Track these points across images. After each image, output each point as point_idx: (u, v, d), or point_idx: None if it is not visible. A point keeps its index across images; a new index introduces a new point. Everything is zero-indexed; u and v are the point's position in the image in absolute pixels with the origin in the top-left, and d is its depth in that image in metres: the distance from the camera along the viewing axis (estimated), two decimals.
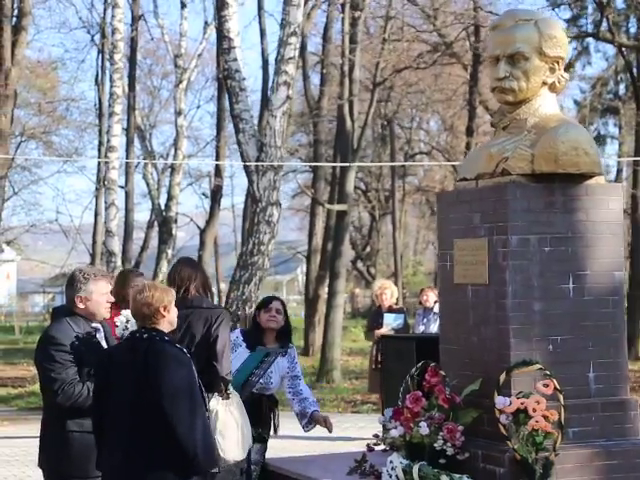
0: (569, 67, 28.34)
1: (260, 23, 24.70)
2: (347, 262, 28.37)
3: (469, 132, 26.88)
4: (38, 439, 5.83)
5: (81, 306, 5.75)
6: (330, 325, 21.48)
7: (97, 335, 5.80)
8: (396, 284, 33.46)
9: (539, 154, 6.14)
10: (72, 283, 5.84)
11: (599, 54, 29.17)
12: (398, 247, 32.90)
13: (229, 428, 5.96)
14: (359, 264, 41.67)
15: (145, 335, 5.05)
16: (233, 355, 6.58)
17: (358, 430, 12.92)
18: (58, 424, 5.67)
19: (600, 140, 29.97)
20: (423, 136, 41.23)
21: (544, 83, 6.36)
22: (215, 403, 5.97)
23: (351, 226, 38.51)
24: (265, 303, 7.06)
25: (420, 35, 26.86)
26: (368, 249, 41.50)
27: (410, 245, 47.28)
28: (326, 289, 23.50)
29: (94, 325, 5.81)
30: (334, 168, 24.77)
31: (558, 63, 6.36)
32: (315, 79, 30.44)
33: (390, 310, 12.30)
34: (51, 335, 5.73)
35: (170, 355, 5.02)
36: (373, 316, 12.92)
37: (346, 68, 24.38)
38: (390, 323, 12.03)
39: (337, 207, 22.76)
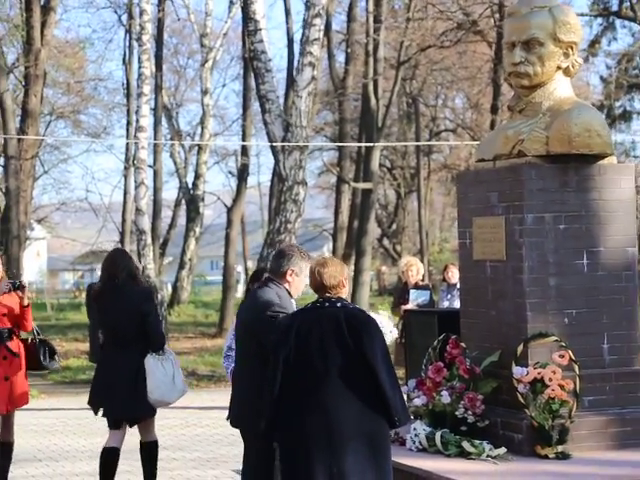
0: (595, 43, 28.41)
1: (285, 3, 24.90)
2: (372, 240, 28.62)
3: (494, 110, 26.99)
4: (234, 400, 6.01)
5: (289, 279, 6.04)
6: (356, 302, 21.80)
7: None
8: (422, 261, 33.67)
9: (553, 136, 6.44)
10: (287, 255, 6.10)
11: (625, 30, 29.08)
12: (424, 224, 33.12)
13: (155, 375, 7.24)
14: (385, 242, 41.90)
15: (338, 304, 5.33)
16: None
17: None
18: None
19: (626, 116, 30.00)
20: (448, 114, 41.30)
21: (558, 67, 6.64)
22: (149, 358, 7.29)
23: (377, 204, 38.77)
24: (255, 276, 7.22)
25: (445, 13, 26.96)
26: (394, 227, 41.70)
27: (436, 222, 47.41)
28: (352, 267, 23.80)
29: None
30: (359, 146, 25.02)
31: (572, 48, 6.64)
32: (340, 57, 30.64)
33: (416, 286, 12.55)
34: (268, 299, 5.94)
35: (373, 322, 5.37)
36: (399, 292, 13.17)
37: (370, 47, 24.61)
38: (415, 299, 12.28)
39: (362, 185, 23.03)
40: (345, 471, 5.12)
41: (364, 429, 5.18)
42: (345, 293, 5.49)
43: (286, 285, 6.04)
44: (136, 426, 7.63)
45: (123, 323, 7.34)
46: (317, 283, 5.41)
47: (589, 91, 32.21)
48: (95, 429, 11.41)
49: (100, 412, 7.58)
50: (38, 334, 8.04)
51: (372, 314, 6.01)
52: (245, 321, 6.07)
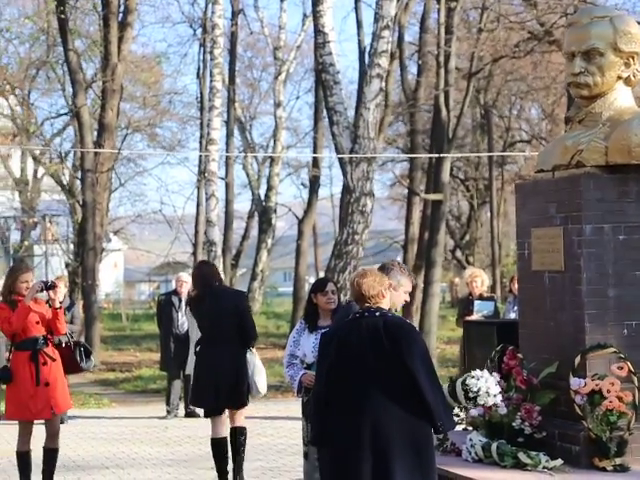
0: None
1: (357, 15, 25.01)
2: (442, 251, 28.53)
3: (567, 121, 26.72)
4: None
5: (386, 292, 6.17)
6: (426, 314, 21.75)
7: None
8: (494, 273, 33.56)
9: (613, 146, 6.40)
10: (387, 269, 6.30)
11: None
12: (496, 236, 32.90)
13: (261, 372, 8.48)
14: (458, 253, 41.70)
15: (377, 313, 5.47)
16: (301, 338, 7.38)
17: None
18: None
19: None
20: (523, 125, 40.99)
21: (619, 78, 6.60)
22: (249, 355, 8.43)
23: (450, 215, 38.62)
24: (321, 286, 7.48)
25: (518, 23, 26.80)
26: (467, 238, 41.49)
27: (509, 234, 47.00)
28: (423, 278, 23.75)
29: None
30: (430, 158, 24.98)
31: (633, 58, 6.59)
32: (413, 69, 30.65)
33: (481, 298, 12.55)
34: None
35: (412, 328, 5.52)
36: (464, 304, 13.16)
37: (442, 58, 24.56)
38: (480, 310, 12.27)
39: (433, 196, 22.97)
40: (392, 476, 5.20)
41: (408, 435, 5.27)
42: (386, 304, 5.59)
43: None
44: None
45: (225, 321, 8.27)
46: (357, 293, 5.55)
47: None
48: (164, 437, 11.60)
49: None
50: (72, 337, 8.22)
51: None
52: None
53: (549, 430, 6.34)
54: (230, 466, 8.53)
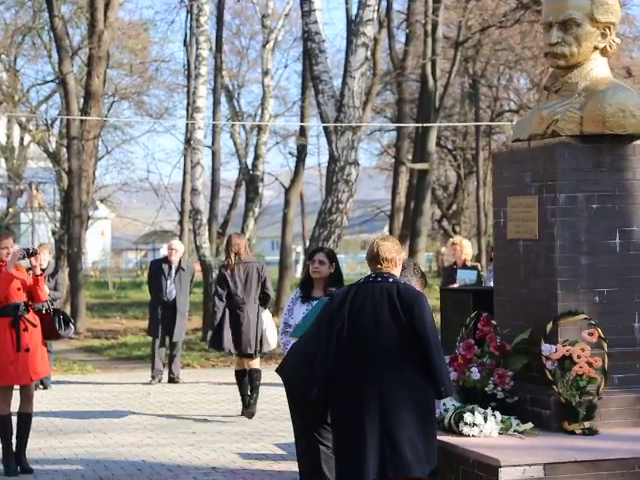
0: None
1: None
2: (428, 220, 28.62)
3: (546, 88, 26.74)
4: None
5: None
6: None
7: None
8: (480, 242, 33.65)
9: (587, 116, 6.47)
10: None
11: None
12: (483, 205, 33.00)
13: (272, 329, 10.52)
14: (445, 223, 41.80)
15: (390, 279, 5.60)
16: (294, 306, 7.51)
17: None
18: None
19: None
20: (512, 94, 40.95)
21: (595, 48, 6.65)
22: (264, 313, 10.64)
23: (437, 185, 38.66)
24: (310, 255, 7.61)
25: None
26: (454, 207, 41.57)
27: None
28: (408, 247, 23.86)
29: None
30: (417, 127, 25.02)
31: (609, 28, 6.65)
32: (401, 37, 30.58)
33: (464, 266, 12.65)
34: None
35: (423, 297, 5.62)
36: (447, 272, 13.28)
37: (429, 27, 24.56)
38: (463, 279, 12.37)
39: (418, 166, 23.07)
40: (396, 439, 5.36)
41: (414, 399, 5.42)
42: (397, 272, 5.71)
43: None
44: None
45: (253, 285, 10.55)
46: (373, 254, 5.68)
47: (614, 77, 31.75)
48: (146, 403, 11.71)
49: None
50: (52, 304, 8.27)
51: None
52: None
53: (521, 395, 6.45)
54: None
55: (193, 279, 14.05)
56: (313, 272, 7.46)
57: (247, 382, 10.62)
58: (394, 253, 5.66)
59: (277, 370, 6.36)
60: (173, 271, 13.38)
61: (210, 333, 11.33)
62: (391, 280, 5.60)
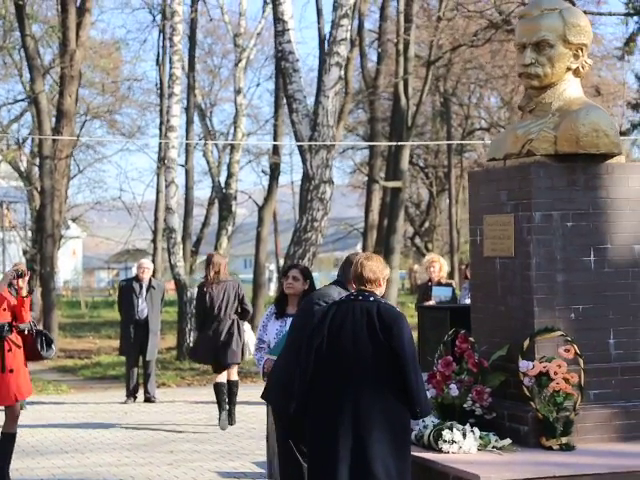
0: (630, 42, 28.29)
1: (317, 2, 25.08)
2: (401, 238, 28.76)
3: (520, 108, 26.96)
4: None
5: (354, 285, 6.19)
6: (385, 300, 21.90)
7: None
8: (452, 260, 33.84)
9: (561, 136, 6.57)
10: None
11: None
12: (455, 223, 33.19)
13: (252, 339, 10.89)
14: (417, 240, 41.99)
15: (371, 298, 5.62)
16: (269, 323, 7.68)
17: None
18: None
19: None
20: (483, 112, 41.28)
21: (568, 69, 6.77)
22: (246, 325, 11.27)
23: (409, 202, 38.84)
24: (284, 272, 7.67)
25: (476, 12, 26.99)
26: (426, 225, 41.79)
27: (468, 221, 47.43)
28: None
29: None
30: (390, 145, 25.16)
31: (582, 50, 6.77)
32: (373, 56, 30.76)
33: (439, 284, 12.74)
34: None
35: (402, 316, 5.65)
36: (423, 290, 13.36)
37: (401, 46, 24.71)
38: (438, 296, 12.47)
39: (392, 184, 23.18)
40: (368, 457, 5.40)
41: (389, 418, 5.46)
42: (380, 292, 5.75)
43: (351, 289, 6.26)
44: None
45: (230, 302, 11.04)
46: (357, 273, 5.71)
47: (625, 89, 32.09)
48: (123, 422, 11.69)
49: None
50: (35, 325, 8.27)
51: None
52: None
53: (499, 411, 6.52)
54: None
55: (164, 297, 14.07)
56: (287, 288, 7.51)
57: (226, 393, 11.04)
58: (378, 274, 5.69)
59: (262, 396, 6.41)
60: (144, 290, 13.38)
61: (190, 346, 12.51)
62: (372, 299, 5.64)
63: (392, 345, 5.47)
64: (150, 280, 13.50)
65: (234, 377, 11.30)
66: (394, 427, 5.47)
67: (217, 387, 11.14)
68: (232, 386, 11.21)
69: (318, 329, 5.65)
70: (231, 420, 11.10)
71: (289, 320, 7.36)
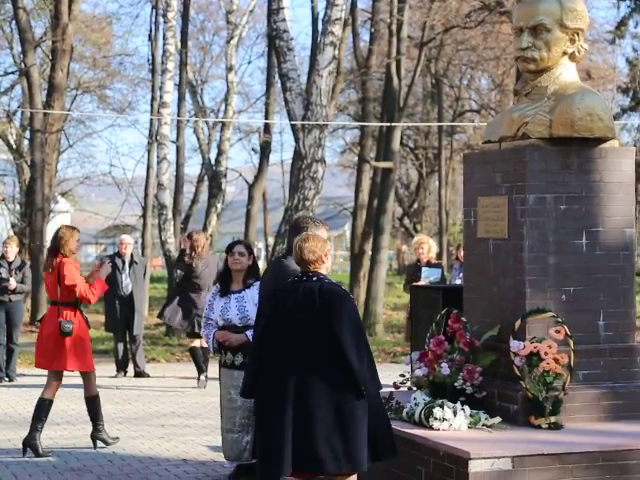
0: (621, 25, 28.36)
1: None
2: (391, 218, 28.82)
3: (516, 93, 27.02)
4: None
5: None
6: (374, 280, 22.02)
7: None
8: (441, 241, 33.95)
9: (556, 119, 6.66)
10: (302, 228, 6.54)
11: None
12: (444, 204, 33.28)
13: None
14: (406, 221, 42.07)
15: (314, 278, 5.66)
16: (214, 301, 7.66)
17: (396, 378, 13.47)
18: None
19: None
20: (473, 94, 41.32)
21: (564, 53, 6.85)
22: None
23: (398, 183, 38.87)
24: (229, 248, 7.68)
25: None
26: (415, 206, 41.86)
27: (457, 203, 47.47)
28: (371, 245, 24.01)
29: None
30: (381, 126, 25.18)
31: (578, 34, 6.85)
32: (365, 36, 30.72)
33: (428, 264, 12.81)
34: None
35: (343, 293, 5.69)
36: (412, 270, 13.42)
37: (394, 27, 24.69)
38: (427, 277, 12.53)
39: (383, 164, 23.20)
40: (311, 437, 5.44)
41: (331, 397, 5.48)
42: (325, 269, 5.78)
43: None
44: None
45: (212, 276, 11.65)
46: (298, 257, 5.77)
47: (615, 73, 32.16)
48: (114, 396, 11.76)
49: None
50: None
51: None
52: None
53: (489, 390, 6.63)
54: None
55: (146, 272, 14.13)
56: (233, 264, 7.55)
57: (201, 355, 12.29)
58: (318, 252, 5.71)
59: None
60: (127, 265, 13.41)
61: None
62: (315, 279, 5.68)
63: (331, 323, 5.50)
64: (132, 255, 13.53)
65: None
66: (340, 407, 5.49)
67: (194, 351, 12.30)
68: (206, 353, 12.23)
69: (264, 312, 5.76)
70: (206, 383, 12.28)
71: (233, 297, 7.46)
